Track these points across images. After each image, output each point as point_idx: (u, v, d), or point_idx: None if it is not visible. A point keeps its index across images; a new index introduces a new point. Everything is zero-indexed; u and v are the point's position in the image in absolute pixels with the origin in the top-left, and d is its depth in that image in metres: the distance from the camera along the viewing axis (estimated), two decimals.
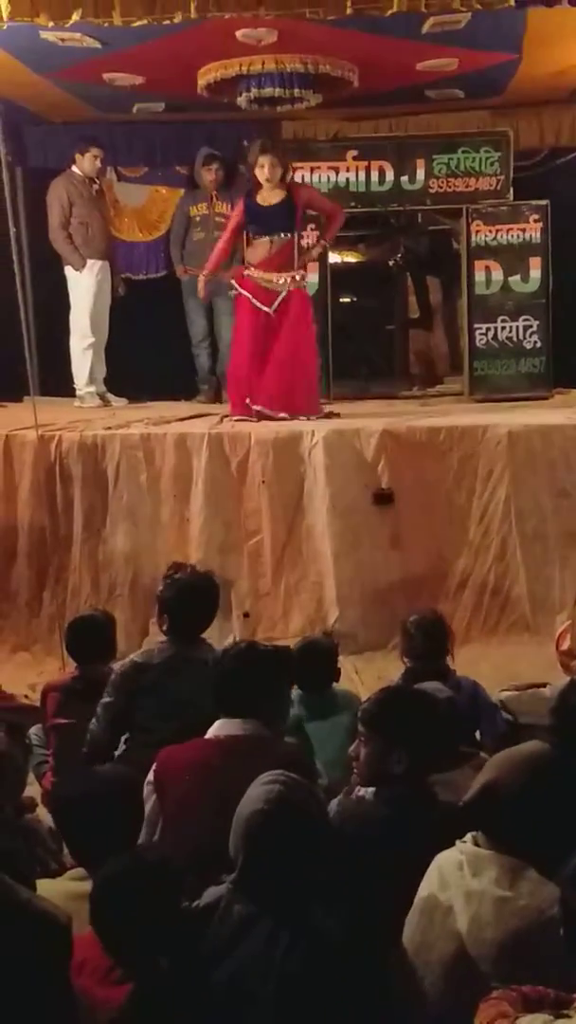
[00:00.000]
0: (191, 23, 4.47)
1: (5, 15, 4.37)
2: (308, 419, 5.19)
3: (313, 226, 5.72)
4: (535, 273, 6.13)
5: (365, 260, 7.13)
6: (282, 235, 5.23)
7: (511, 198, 6.23)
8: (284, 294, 5.21)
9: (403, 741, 2.17)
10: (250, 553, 4.92)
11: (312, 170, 6.16)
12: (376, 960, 1.75)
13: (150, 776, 2.30)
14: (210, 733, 2.34)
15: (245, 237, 5.79)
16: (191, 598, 2.91)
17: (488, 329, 6.14)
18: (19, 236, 5.69)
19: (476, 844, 1.86)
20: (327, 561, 4.82)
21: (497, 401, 5.94)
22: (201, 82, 5.44)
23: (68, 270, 6.19)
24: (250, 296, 5.24)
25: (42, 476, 4.97)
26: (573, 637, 3.87)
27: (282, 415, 5.17)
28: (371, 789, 2.22)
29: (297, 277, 5.26)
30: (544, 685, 3.46)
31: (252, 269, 5.30)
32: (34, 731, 3.45)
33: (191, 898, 1.83)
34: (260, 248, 5.31)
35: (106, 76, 5.55)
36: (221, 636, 4.10)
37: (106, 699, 2.85)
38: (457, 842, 1.89)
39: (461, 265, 6.27)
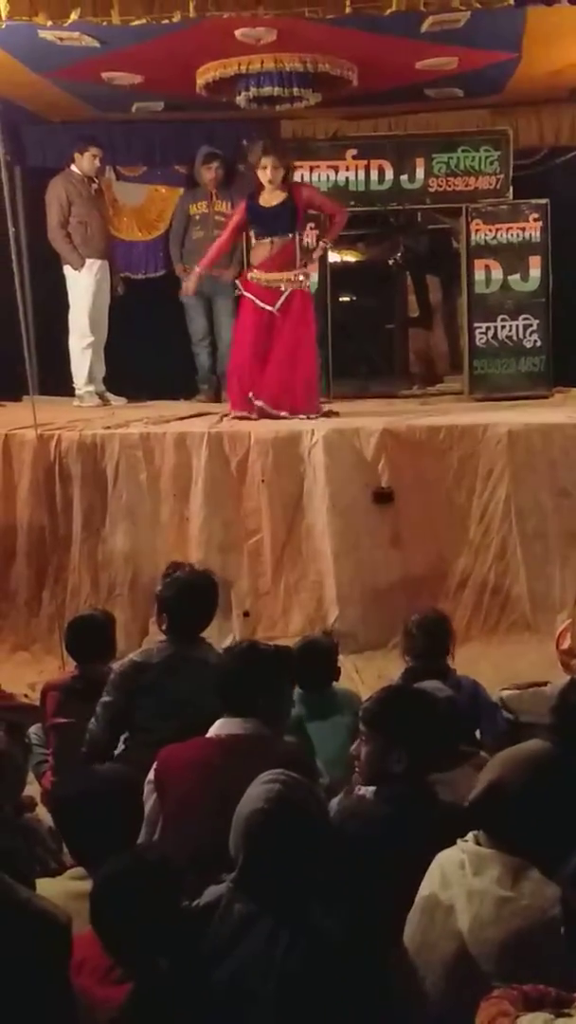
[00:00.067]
0: (190, 22, 4.46)
1: (4, 14, 4.36)
2: (308, 418, 5.20)
3: (312, 225, 5.71)
4: (535, 272, 6.12)
5: (365, 259, 7.13)
6: (283, 236, 5.25)
7: (511, 197, 6.24)
8: (287, 293, 5.22)
9: (403, 740, 2.18)
10: (250, 552, 4.91)
11: (311, 169, 6.16)
12: (376, 959, 1.75)
13: (150, 775, 2.31)
14: (211, 732, 2.34)
15: (245, 238, 5.82)
16: (190, 597, 2.91)
17: (488, 328, 6.14)
18: (18, 235, 5.70)
19: (477, 843, 1.86)
20: (327, 560, 4.82)
21: (497, 400, 5.94)
22: (200, 81, 5.43)
23: (67, 269, 6.18)
24: (254, 297, 5.27)
25: (41, 475, 4.96)
26: (573, 636, 3.87)
27: (283, 413, 5.18)
28: (372, 788, 2.22)
29: (300, 277, 5.26)
30: (544, 684, 3.45)
31: (255, 271, 5.32)
32: (34, 730, 3.45)
33: (191, 897, 1.82)
34: (262, 249, 5.34)
35: (105, 75, 5.55)
36: (221, 635, 4.10)
37: (105, 698, 2.85)
38: (458, 841, 1.89)
39: (461, 264, 6.27)
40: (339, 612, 4.78)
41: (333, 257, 6.52)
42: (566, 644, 3.87)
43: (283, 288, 5.22)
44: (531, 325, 6.12)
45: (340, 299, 6.63)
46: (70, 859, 2.29)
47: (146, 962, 1.74)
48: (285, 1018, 1.67)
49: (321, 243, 5.58)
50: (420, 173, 6.24)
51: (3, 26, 4.45)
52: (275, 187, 5.21)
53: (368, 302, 7.16)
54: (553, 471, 4.88)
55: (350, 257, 7.08)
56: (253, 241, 5.68)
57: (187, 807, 2.22)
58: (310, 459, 4.89)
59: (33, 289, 6.34)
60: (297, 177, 5.69)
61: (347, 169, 6.26)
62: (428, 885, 1.87)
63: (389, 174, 6.26)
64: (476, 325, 6.15)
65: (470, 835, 1.88)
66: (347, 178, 6.25)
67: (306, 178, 6.04)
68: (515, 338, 6.14)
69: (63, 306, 6.24)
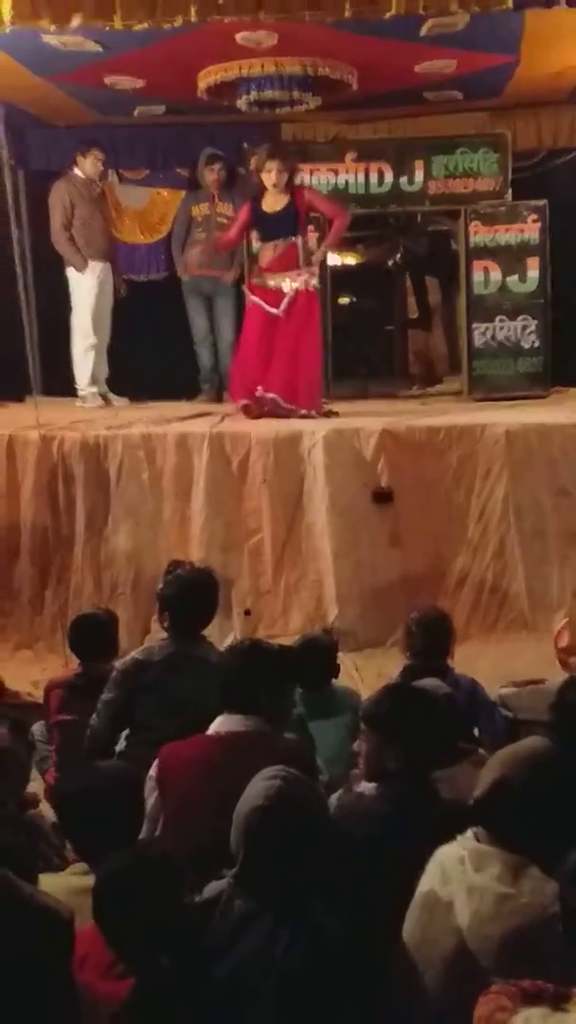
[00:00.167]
0: (191, 26, 4.45)
1: (7, 19, 4.36)
2: (309, 414, 5.23)
3: (312, 228, 5.73)
4: (533, 273, 6.13)
5: (364, 261, 7.15)
6: (286, 239, 5.27)
7: (509, 199, 6.24)
8: (290, 295, 5.25)
9: (402, 738, 2.18)
10: (251, 551, 4.93)
11: (311, 172, 6.15)
12: (376, 956, 1.75)
13: (152, 772, 2.32)
14: (211, 730, 2.35)
15: (247, 241, 5.84)
16: (191, 595, 2.91)
17: (486, 329, 6.15)
18: (21, 238, 5.72)
19: (477, 840, 1.86)
20: (327, 559, 4.83)
21: (496, 400, 5.94)
22: (201, 85, 5.45)
23: (70, 271, 6.20)
24: (260, 301, 5.30)
25: (44, 476, 4.97)
26: (572, 634, 3.89)
27: (289, 405, 5.22)
28: (372, 785, 2.23)
29: (304, 277, 5.28)
30: (542, 681, 3.47)
31: (259, 274, 5.37)
32: (37, 728, 3.46)
33: (192, 894, 1.83)
34: (265, 252, 5.36)
35: (107, 79, 5.57)
36: (222, 634, 4.12)
37: (107, 695, 2.86)
38: (458, 837, 1.89)
39: (460, 265, 6.28)
40: (339, 611, 4.79)
41: (333, 259, 6.54)
42: (564, 642, 3.89)
43: (287, 290, 5.25)
44: (529, 326, 6.13)
45: (340, 300, 6.65)
46: (73, 855, 2.30)
47: (148, 958, 1.74)
48: (285, 1014, 1.67)
49: (322, 248, 5.59)
50: (419, 175, 6.25)
51: (7, 30, 4.45)
52: (279, 190, 5.23)
53: (368, 303, 7.18)
54: (551, 470, 4.88)
55: (350, 259, 7.10)
56: (254, 244, 5.72)
57: (188, 804, 2.22)
58: (310, 459, 4.90)
59: (36, 291, 6.39)
60: (297, 180, 5.71)
61: (347, 172, 6.27)
62: (428, 881, 1.87)
63: (389, 176, 6.27)
64: (475, 326, 6.16)
65: (469, 832, 1.88)
66: (347, 181, 6.26)
67: (306, 181, 6.05)
68: (513, 339, 6.14)
69: (66, 308, 6.26)
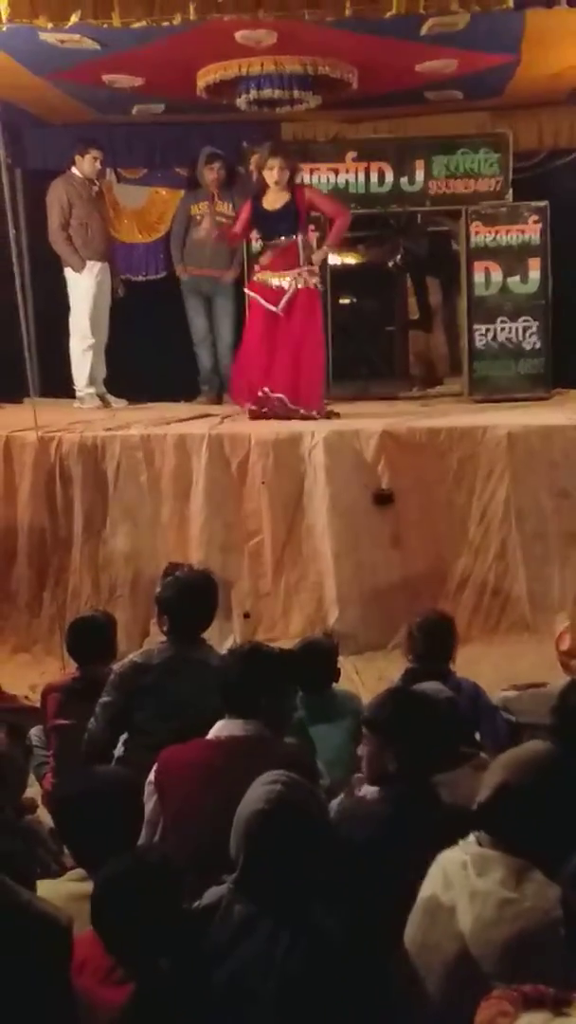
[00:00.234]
0: (190, 25, 4.45)
1: (4, 17, 4.36)
2: (310, 414, 5.22)
3: (313, 227, 5.72)
4: (534, 274, 6.12)
5: (365, 261, 7.13)
6: (286, 237, 5.26)
7: (510, 199, 6.23)
8: (290, 293, 5.24)
9: (404, 742, 2.18)
10: (250, 553, 4.91)
11: (312, 171, 6.14)
12: (377, 960, 1.74)
13: (151, 776, 2.31)
14: (212, 734, 2.35)
15: (246, 241, 5.83)
16: (190, 597, 2.90)
17: (487, 330, 6.13)
18: (19, 238, 5.71)
19: (479, 844, 1.86)
20: (327, 561, 4.82)
21: (497, 402, 5.93)
22: (200, 84, 5.44)
23: (68, 271, 6.19)
24: (259, 298, 5.30)
25: (42, 477, 4.96)
26: (573, 637, 3.88)
27: (295, 406, 5.22)
28: (373, 789, 2.23)
29: (304, 275, 5.27)
30: (544, 685, 3.46)
31: (260, 272, 5.36)
32: (34, 732, 3.45)
33: (192, 899, 1.82)
34: (266, 251, 5.36)
35: (106, 78, 5.55)
36: (221, 637, 4.11)
37: (105, 698, 2.85)
38: (460, 842, 1.89)
39: (460, 266, 6.27)
40: (339, 613, 4.77)
41: (333, 259, 6.53)
42: (566, 645, 3.88)
43: (287, 288, 5.24)
44: (530, 327, 6.12)
45: (340, 301, 6.64)
46: (71, 861, 2.29)
47: (147, 963, 1.74)
48: (286, 1019, 1.66)
49: (323, 248, 5.57)
50: (420, 175, 6.24)
51: (4, 28, 4.44)
52: (281, 188, 5.22)
53: (368, 304, 7.16)
54: (553, 472, 4.88)
55: (350, 259, 7.09)
56: (255, 244, 5.70)
57: (188, 809, 2.22)
58: (310, 460, 4.89)
59: (34, 291, 6.36)
60: (298, 179, 5.69)
61: (347, 171, 6.26)
62: (430, 886, 1.86)
63: (389, 176, 6.26)
64: (476, 327, 6.15)
65: (472, 836, 1.88)
66: (347, 180, 6.25)
67: (306, 180, 6.04)
68: (515, 340, 6.13)
69: (64, 308, 6.24)
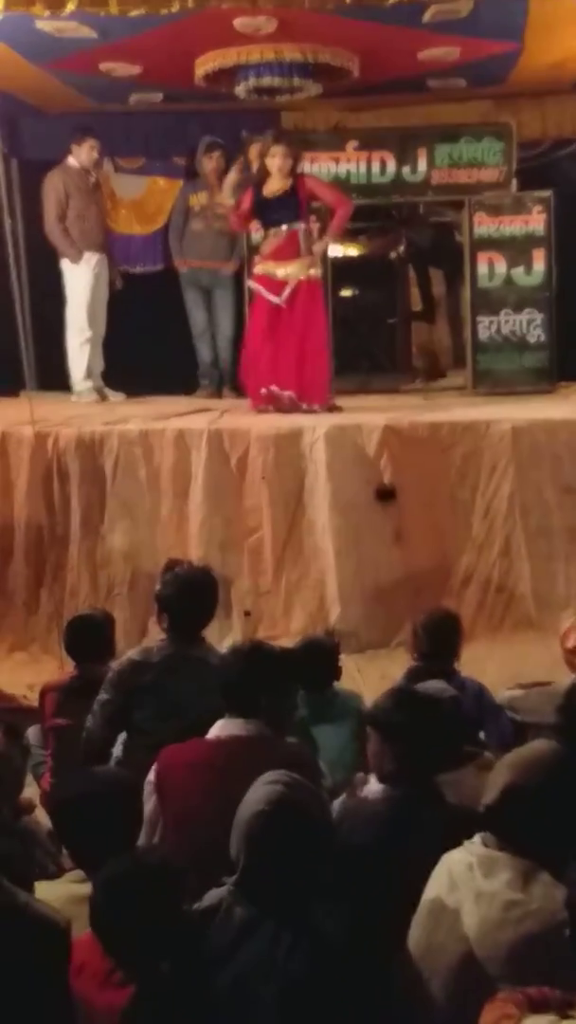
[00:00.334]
0: (189, 12, 4.43)
1: (1, 5, 4.32)
2: (311, 408, 5.19)
3: (314, 217, 5.66)
4: (539, 266, 6.06)
5: (367, 252, 7.07)
6: (287, 226, 5.23)
7: (514, 189, 6.17)
8: (292, 284, 5.20)
9: (407, 741, 2.18)
10: (251, 550, 4.88)
11: (312, 161, 6.09)
12: (380, 962, 1.73)
13: (150, 776, 2.30)
14: (212, 733, 2.34)
15: (247, 233, 5.78)
16: (190, 594, 2.88)
17: (491, 322, 6.08)
18: (15, 229, 5.67)
19: (485, 845, 1.85)
20: (329, 558, 4.79)
21: (501, 395, 5.89)
22: (199, 72, 5.41)
23: (64, 263, 6.14)
24: (261, 288, 5.28)
25: (39, 473, 4.94)
26: None
27: (303, 403, 5.19)
28: (375, 789, 2.23)
29: (307, 265, 5.23)
30: (549, 683, 3.42)
31: (261, 262, 5.34)
32: (32, 732, 3.44)
33: (192, 900, 1.81)
34: (267, 240, 5.34)
35: (103, 66, 5.51)
36: (221, 635, 4.08)
37: (103, 696, 2.82)
38: (465, 843, 1.88)
39: (464, 257, 6.22)
40: (341, 611, 4.74)
41: (334, 251, 6.48)
42: (571, 642, 3.82)
43: (289, 279, 5.20)
44: (535, 319, 6.06)
45: (342, 293, 6.59)
46: (69, 862, 2.28)
47: (148, 965, 1.73)
48: (287, 1021, 1.65)
49: (325, 238, 5.53)
50: (422, 165, 6.18)
51: (0, 17, 4.40)
52: (283, 175, 5.19)
53: (370, 296, 7.10)
54: (557, 467, 4.85)
55: (352, 251, 7.03)
56: (255, 235, 5.65)
57: (188, 809, 2.21)
58: (311, 456, 4.85)
59: (30, 283, 6.29)
60: (299, 169, 5.63)
61: (348, 161, 6.19)
62: (434, 888, 1.86)
63: (391, 166, 6.20)
64: (479, 319, 6.09)
65: (477, 837, 1.87)
66: (348, 170, 6.20)
67: (307, 170, 5.99)
68: (519, 332, 6.08)
69: (60, 301, 6.20)
